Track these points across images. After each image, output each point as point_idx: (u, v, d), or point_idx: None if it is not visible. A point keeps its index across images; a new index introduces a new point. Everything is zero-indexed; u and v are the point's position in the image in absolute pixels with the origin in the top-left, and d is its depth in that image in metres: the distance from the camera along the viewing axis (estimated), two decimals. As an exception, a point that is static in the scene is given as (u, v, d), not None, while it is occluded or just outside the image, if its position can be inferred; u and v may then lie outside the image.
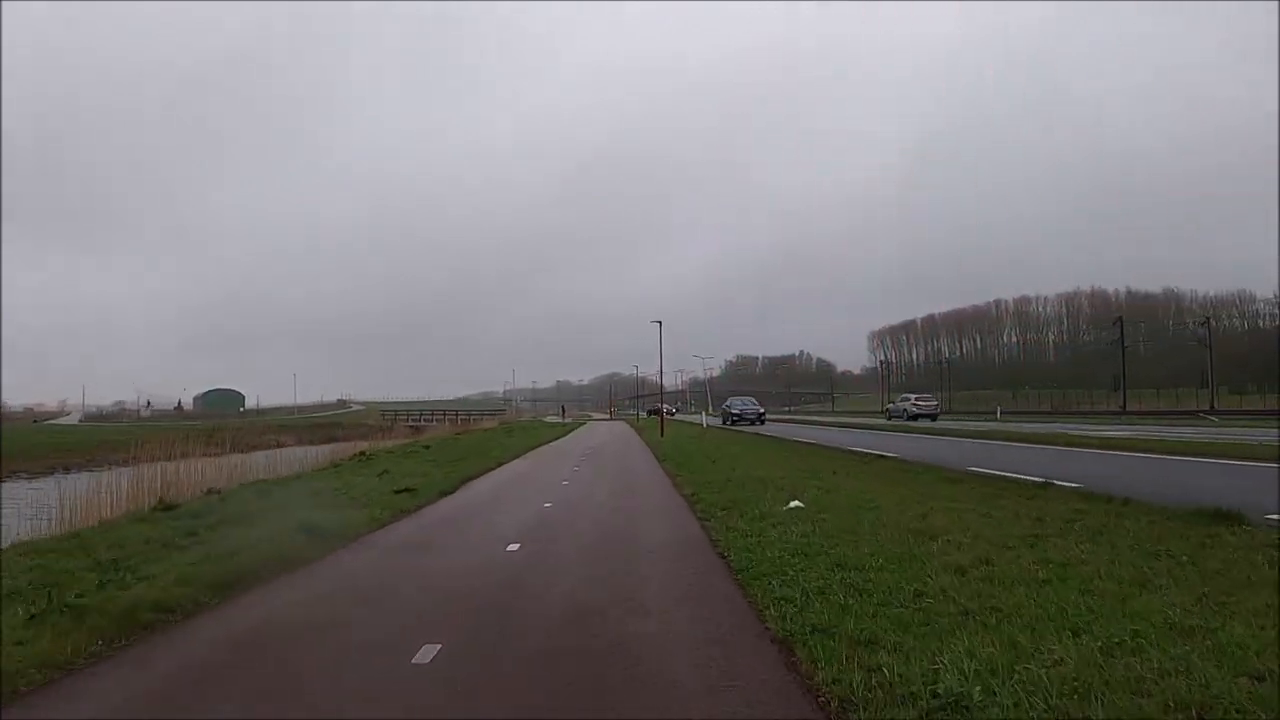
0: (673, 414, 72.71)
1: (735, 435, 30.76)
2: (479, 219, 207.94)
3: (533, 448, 23.81)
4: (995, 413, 52.19)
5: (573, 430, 42.79)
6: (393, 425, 64.17)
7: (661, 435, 30.41)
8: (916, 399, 49.35)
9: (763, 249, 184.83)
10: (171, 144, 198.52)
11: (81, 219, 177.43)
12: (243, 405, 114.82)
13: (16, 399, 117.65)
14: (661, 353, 30.76)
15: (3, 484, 23.97)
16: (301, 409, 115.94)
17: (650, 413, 71.74)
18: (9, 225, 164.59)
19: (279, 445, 48.57)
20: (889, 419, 45.07)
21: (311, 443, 50.44)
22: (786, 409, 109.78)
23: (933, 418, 43.25)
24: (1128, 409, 49.45)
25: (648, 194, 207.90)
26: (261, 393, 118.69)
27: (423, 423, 67.48)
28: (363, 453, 23.05)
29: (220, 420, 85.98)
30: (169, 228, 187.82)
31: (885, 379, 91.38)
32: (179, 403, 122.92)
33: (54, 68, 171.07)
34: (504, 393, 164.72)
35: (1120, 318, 57.21)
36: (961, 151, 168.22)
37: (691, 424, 47.86)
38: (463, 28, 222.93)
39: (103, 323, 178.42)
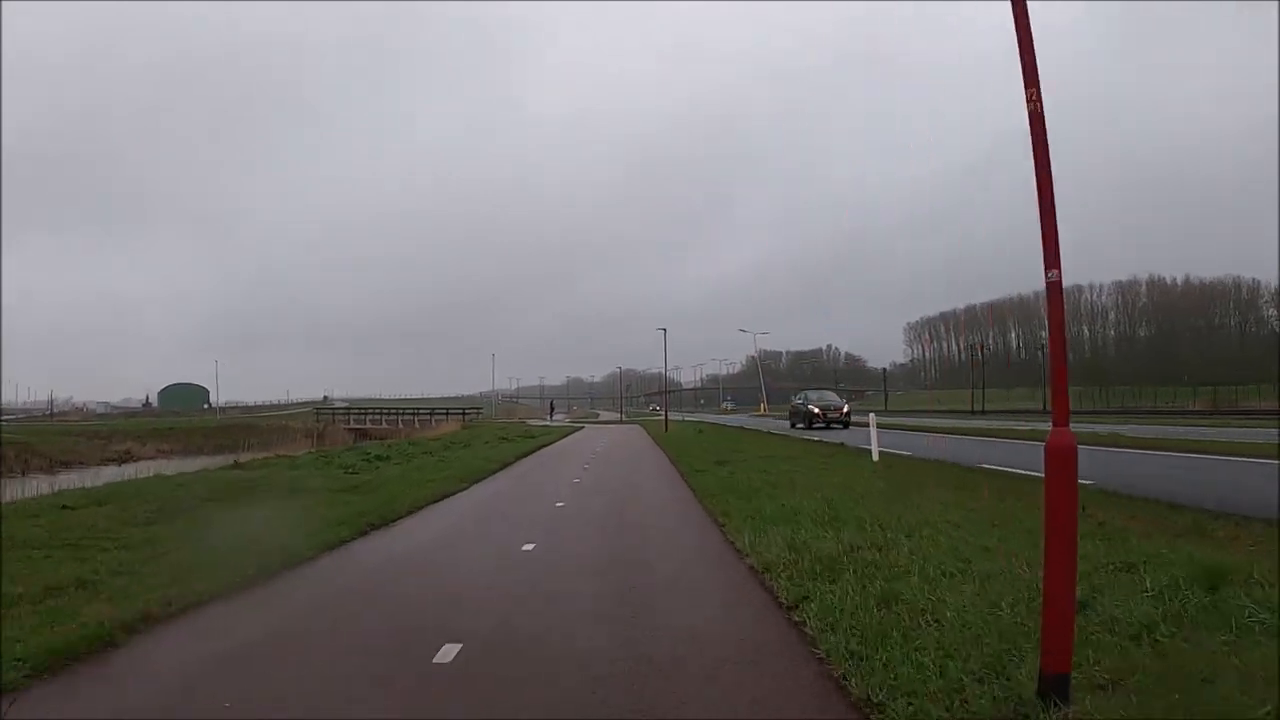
0: (839, 416, 31.07)
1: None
2: (506, 221, 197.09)
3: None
4: None
5: (536, 449, 24.13)
6: (325, 428, 52.53)
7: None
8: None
9: (792, 248, 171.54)
10: (188, 145, 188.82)
11: (108, 217, 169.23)
12: (207, 401, 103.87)
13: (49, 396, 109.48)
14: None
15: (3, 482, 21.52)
16: (278, 406, 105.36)
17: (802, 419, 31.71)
18: (37, 222, 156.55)
19: (124, 459, 37.05)
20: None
21: (190, 452, 39.13)
22: None
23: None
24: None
25: (675, 195, 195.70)
26: (277, 390, 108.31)
27: (367, 424, 55.88)
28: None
29: (177, 418, 75.72)
30: (191, 228, 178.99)
31: (982, 368, 74.11)
32: (146, 398, 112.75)
33: (83, 61, 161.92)
34: (515, 390, 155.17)
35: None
36: (1017, 153, 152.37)
37: (798, 442, 22.13)
38: (493, 27, 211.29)
39: (125, 320, 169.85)
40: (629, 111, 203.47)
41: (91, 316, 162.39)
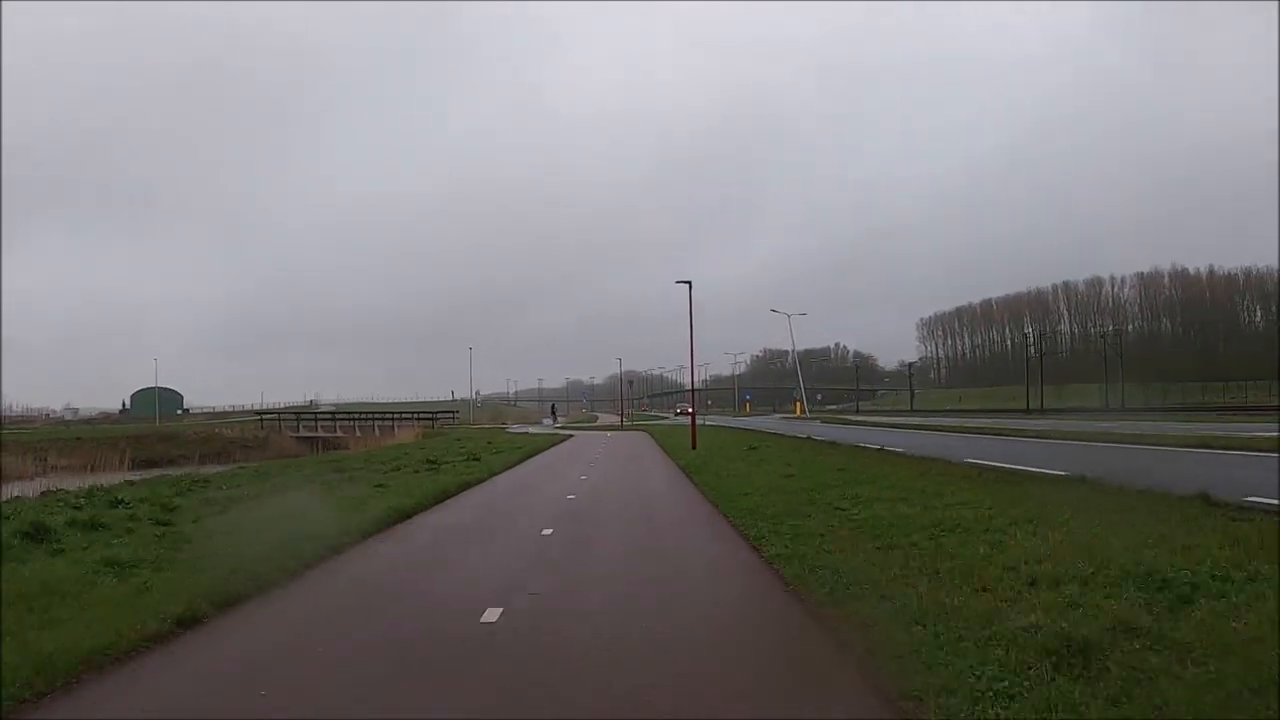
0: None
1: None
2: (507, 223, 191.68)
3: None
4: None
5: (466, 487, 15.25)
6: (269, 437, 46.97)
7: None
8: None
9: (798, 247, 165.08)
10: (188, 145, 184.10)
11: (110, 218, 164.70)
12: (181, 406, 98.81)
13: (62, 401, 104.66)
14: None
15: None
16: (248, 411, 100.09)
17: None
18: (38, 224, 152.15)
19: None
20: None
21: (90, 469, 33.57)
22: (832, 408, 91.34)
23: None
24: None
25: (679, 195, 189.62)
26: (279, 391, 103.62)
27: (319, 432, 50.29)
28: None
29: (140, 424, 70.64)
30: (192, 229, 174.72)
31: (1040, 361, 62.56)
32: (123, 404, 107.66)
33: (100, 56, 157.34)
34: (514, 393, 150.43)
35: None
36: (1042, 152, 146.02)
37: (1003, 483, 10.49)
38: (495, 27, 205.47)
39: (124, 321, 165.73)
40: (630, 112, 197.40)
41: (95, 319, 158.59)
